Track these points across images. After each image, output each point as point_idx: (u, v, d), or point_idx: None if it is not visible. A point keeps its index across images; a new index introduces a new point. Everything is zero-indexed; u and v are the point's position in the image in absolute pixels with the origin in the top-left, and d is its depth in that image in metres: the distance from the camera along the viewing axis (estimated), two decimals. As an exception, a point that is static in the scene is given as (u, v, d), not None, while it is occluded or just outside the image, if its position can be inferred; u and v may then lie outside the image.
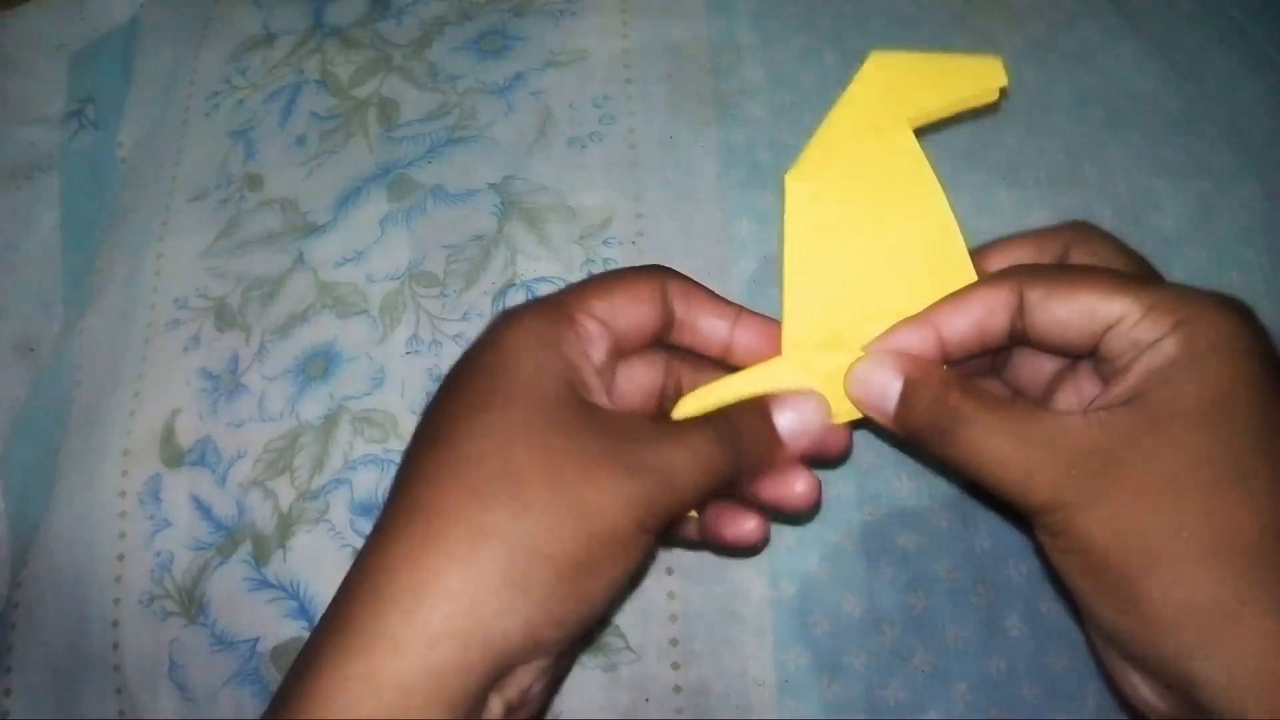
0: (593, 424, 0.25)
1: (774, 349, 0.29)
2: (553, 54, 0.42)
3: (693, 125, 0.40)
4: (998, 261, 0.28)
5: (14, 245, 0.43)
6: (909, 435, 0.26)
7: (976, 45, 0.41)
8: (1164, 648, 0.22)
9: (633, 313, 0.28)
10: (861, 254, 0.29)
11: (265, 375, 0.37)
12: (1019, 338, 0.26)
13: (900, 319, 0.27)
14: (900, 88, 0.29)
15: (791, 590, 0.32)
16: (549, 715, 0.32)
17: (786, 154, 0.39)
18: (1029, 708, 0.31)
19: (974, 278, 0.27)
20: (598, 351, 0.27)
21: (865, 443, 0.34)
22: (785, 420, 0.27)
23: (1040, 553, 0.29)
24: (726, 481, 0.26)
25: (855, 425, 0.29)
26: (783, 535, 0.33)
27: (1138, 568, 0.22)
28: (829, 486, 0.33)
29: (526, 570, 0.23)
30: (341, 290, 0.38)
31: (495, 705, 0.24)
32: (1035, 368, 0.29)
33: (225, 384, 0.37)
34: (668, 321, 0.29)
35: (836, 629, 0.32)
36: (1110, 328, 0.24)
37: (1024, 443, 0.24)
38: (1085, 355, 0.26)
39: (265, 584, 0.34)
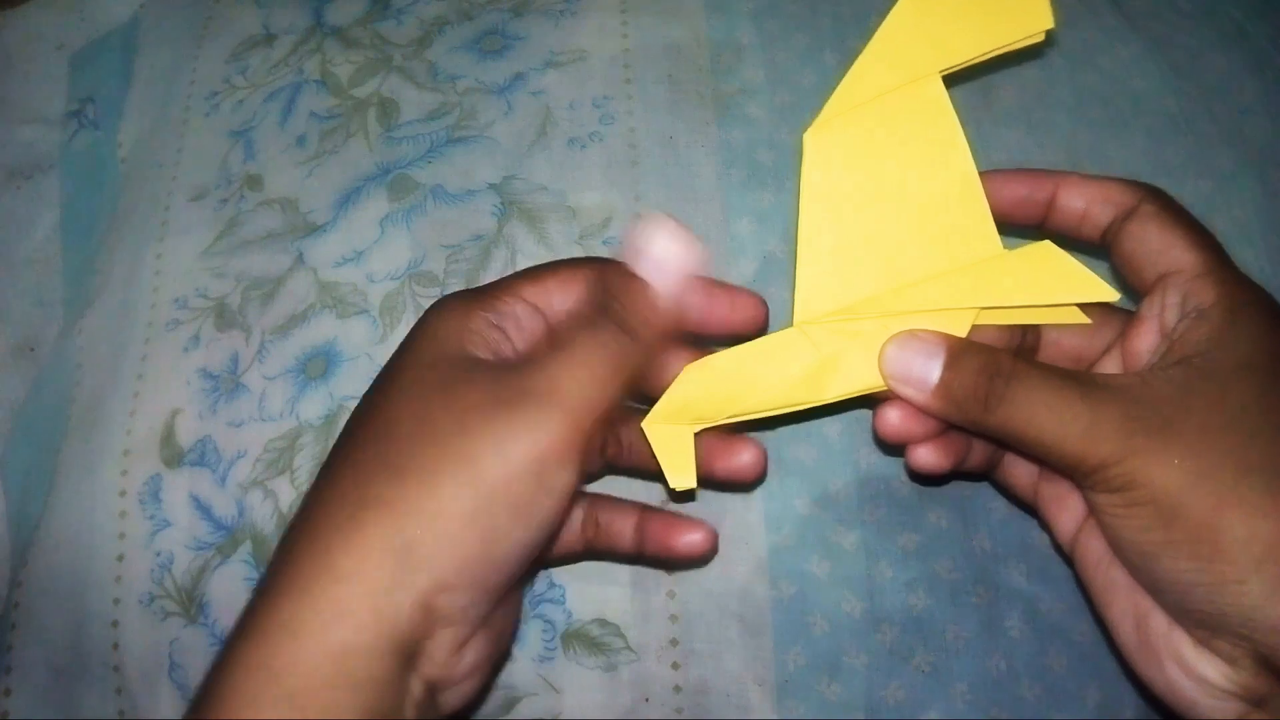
0: (477, 376, 0.24)
1: (725, 318, 0.28)
2: (553, 54, 0.42)
3: (693, 125, 0.40)
4: (1068, 197, 0.28)
5: (14, 245, 0.43)
6: (949, 408, 0.25)
7: (976, 45, 0.41)
8: (1247, 591, 0.22)
9: (566, 296, 0.28)
10: (880, 218, 0.27)
11: (265, 375, 0.37)
12: (1107, 244, 0.27)
13: (916, 286, 0.26)
14: (935, 28, 0.27)
15: (791, 590, 0.32)
16: (549, 715, 0.32)
17: (786, 154, 0.39)
18: (1029, 708, 0.31)
19: (999, 244, 0.27)
20: (525, 329, 0.27)
21: (866, 443, 0.34)
22: (646, 267, 0.25)
23: (1056, 547, 0.29)
24: (631, 377, 0.25)
25: (839, 408, 0.28)
26: (783, 535, 0.33)
27: (1216, 508, 0.22)
28: (829, 486, 0.33)
29: (409, 538, 0.22)
30: (341, 290, 0.38)
31: (414, 685, 0.23)
32: (1061, 355, 0.29)
33: (225, 384, 0.37)
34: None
35: (836, 629, 0.32)
36: (1168, 274, 0.26)
37: (1083, 399, 0.23)
38: (1139, 293, 0.27)
39: (265, 584, 0.34)
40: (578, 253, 0.37)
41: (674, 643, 0.32)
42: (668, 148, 0.39)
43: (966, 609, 0.32)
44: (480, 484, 0.22)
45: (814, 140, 0.28)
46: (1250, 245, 0.37)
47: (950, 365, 0.25)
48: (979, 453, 0.29)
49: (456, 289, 0.37)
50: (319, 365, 0.37)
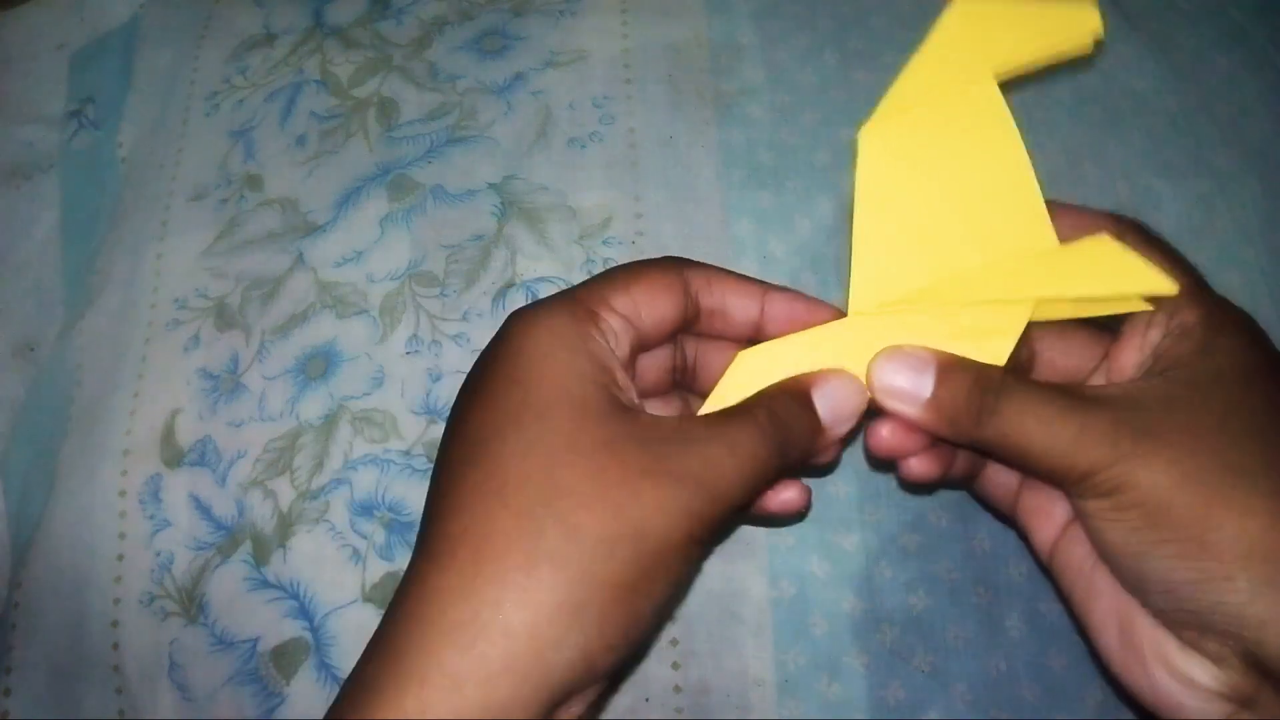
0: (634, 432, 0.24)
1: (807, 323, 0.28)
2: (553, 54, 0.42)
3: (693, 125, 0.40)
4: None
5: (14, 245, 0.43)
6: (940, 422, 0.25)
7: (976, 45, 0.41)
8: (1235, 587, 0.22)
9: (654, 306, 0.27)
10: (935, 212, 0.27)
11: (265, 375, 0.37)
12: None
13: (972, 278, 0.26)
14: (984, 37, 0.27)
15: (791, 590, 0.32)
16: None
17: (786, 154, 0.39)
18: (1029, 708, 0.31)
19: (1054, 240, 0.26)
20: (622, 349, 0.26)
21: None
22: (825, 405, 0.26)
23: (1035, 556, 0.29)
24: (775, 476, 0.25)
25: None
26: (783, 535, 0.33)
27: (1204, 507, 0.23)
28: (829, 486, 0.33)
29: (581, 598, 0.22)
30: (341, 290, 0.38)
31: None
32: (1054, 374, 0.29)
33: (225, 384, 0.37)
34: (693, 313, 0.28)
35: (836, 629, 0.32)
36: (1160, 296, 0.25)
37: (1071, 409, 0.24)
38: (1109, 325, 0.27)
39: (265, 584, 0.34)
40: (577, 253, 0.37)
41: (674, 643, 0.32)
42: (668, 148, 0.39)
43: (966, 609, 0.32)
44: (648, 554, 0.23)
45: (869, 136, 0.28)
46: (1250, 245, 0.37)
47: (941, 381, 0.25)
48: (962, 462, 0.29)
49: (456, 289, 0.37)
50: (319, 365, 0.37)
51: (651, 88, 0.41)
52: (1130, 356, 0.26)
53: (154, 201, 0.42)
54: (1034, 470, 0.25)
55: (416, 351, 0.36)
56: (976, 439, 0.25)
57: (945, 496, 0.33)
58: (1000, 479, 0.30)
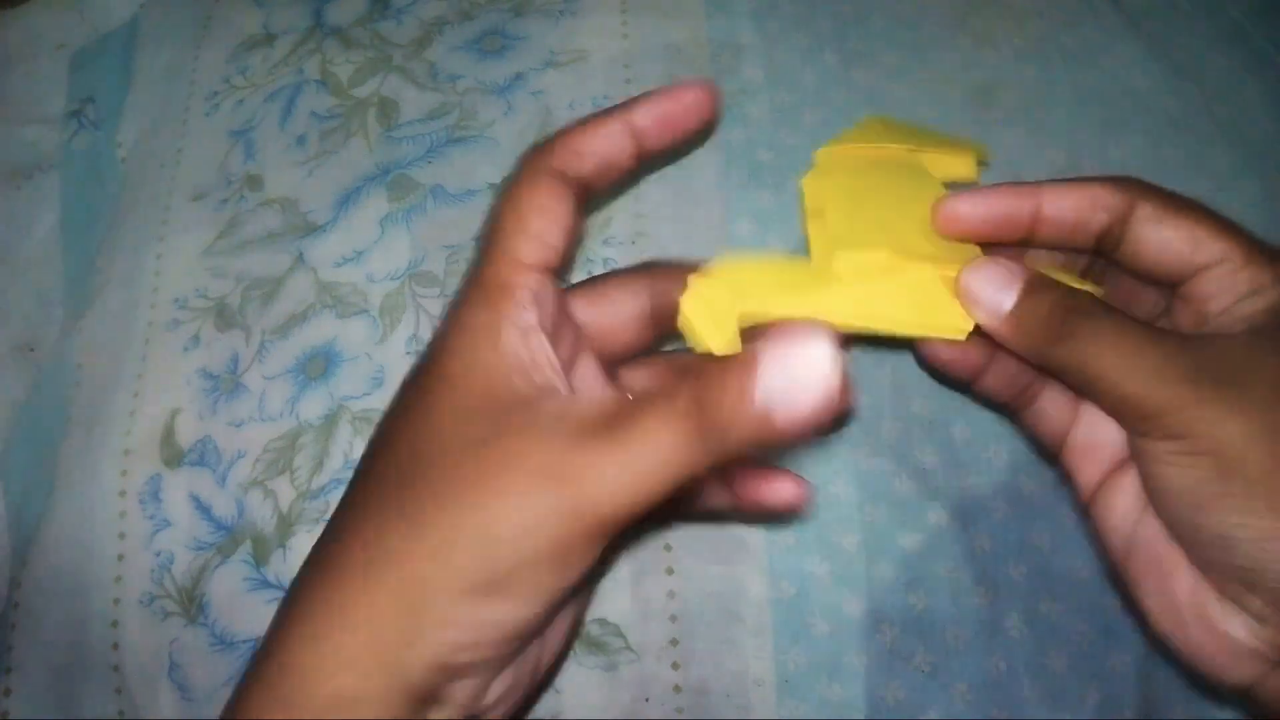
0: (517, 423, 0.22)
1: (674, 120, 0.28)
2: (553, 54, 0.42)
3: (693, 125, 0.40)
4: (1055, 209, 0.27)
5: (14, 245, 0.43)
6: (1018, 336, 0.25)
7: (976, 45, 0.41)
8: (1249, 565, 0.22)
9: (556, 226, 0.25)
10: (881, 215, 0.28)
11: (265, 375, 0.37)
12: (1107, 247, 0.26)
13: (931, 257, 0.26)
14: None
15: (791, 590, 0.32)
16: (549, 715, 0.32)
17: (786, 154, 0.39)
18: (1029, 708, 0.31)
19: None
20: (546, 308, 0.25)
21: (865, 442, 0.34)
22: (768, 391, 0.21)
23: (1075, 502, 0.29)
24: (703, 472, 0.22)
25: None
26: (783, 535, 0.33)
27: (1276, 465, 0.22)
28: (829, 486, 0.33)
29: (422, 597, 0.22)
30: (341, 290, 0.38)
31: (445, 708, 0.23)
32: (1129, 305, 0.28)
33: (225, 384, 0.37)
34: (580, 211, 0.26)
35: (836, 629, 0.32)
36: (1208, 267, 0.24)
37: (1154, 343, 0.23)
38: (1165, 285, 0.26)
39: (265, 584, 0.34)
40: (577, 253, 0.37)
41: (674, 643, 0.32)
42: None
43: (966, 609, 0.32)
44: (495, 561, 0.22)
45: (811, 184, 0.29)
46: (1250, 245, 0.37)
47: (1026, 295, 0.25)
48: (1011, 384, 0.29)
49: (456, 289, 0.37)
50: (319, 365, 0.37)
51: (651, 87, 0.41)
52: (1195, 311, 0.26)
53: (154, 201, 0.42)
54: (1104, 400, 0.24)
55: (416, 351, 0.36)
56: (1051, 359, 0.25)
57: (945, 497, 0.33)
58: (1052, 412, 0.29)
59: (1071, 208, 0.26)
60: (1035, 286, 0.25)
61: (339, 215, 0.39)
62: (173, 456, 0.36)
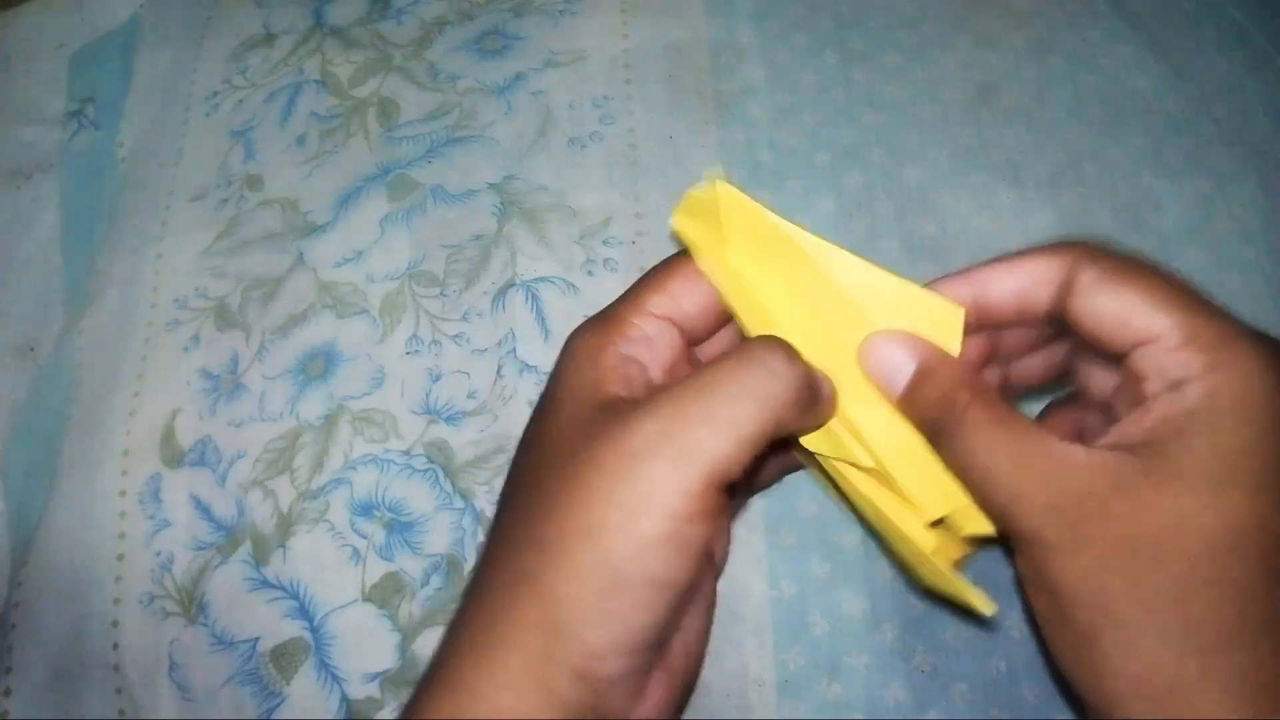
0: (607, 427, 0.23)
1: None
2: (553, 54, 0.42)
3: (693, 125, 0.40)
4: (995, 293, 0.25)
5: (14, 245, 0.43)
6: (913, 417, 0.25)
7: (977, 45, 0.41)
8: (1116, 712, 0.22)
9: (695, 295, 0.26)
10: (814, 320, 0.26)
11: (265, 375, 0.37)
12: (1058, 320, 0.24)
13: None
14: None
15: (791, 590, 0.32)
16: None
17: (786, 154, 0.39)
18: (1029, 708, 0.31)
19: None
20: (660, 350, 0.26)
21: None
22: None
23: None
24: (779, 428, 0.23)
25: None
26: (783, 535, 0.33)
27: (1100, 629, 0.21)
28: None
29: (556, 612, 0.22)
30: (341, 290, 0.38)
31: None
32: (1102, 377, 0.26)
33: (225, 384, 0.37)
34: None
35: (836, 629, 0.32)
36: (1141, 344, 0.22)
37: (1018, 467, 0.22)
38: (1115, 359, 0.24)
39: (265, 584, 0.34)
40: (577, 253, 0.37)
41: (674, 643, 0.32)
42: (668, 148, 0.39)
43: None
44: (609, 562, 0.22)
45: (686, 224, 0.27)
46: (1250, 245, 0.37)
47: (912, 386, 0.24)
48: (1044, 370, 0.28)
49: (456, 289, 0.37)
50: (319, 365, 0.37)
51: (651, 88, 0.41)
52: (1133, 392, 0.23)
53: (154, 201, 0.42)
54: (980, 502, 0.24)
55: (416, 351, 0.36)
56: (937, 449, 0.24)
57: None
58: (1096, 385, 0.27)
59: (1013, 291, 0.24)
60: (925, 374, 0.24)
61: (339, 215, 0.39)
62: (173, 456, 0.36)
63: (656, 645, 0.23)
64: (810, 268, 0.25)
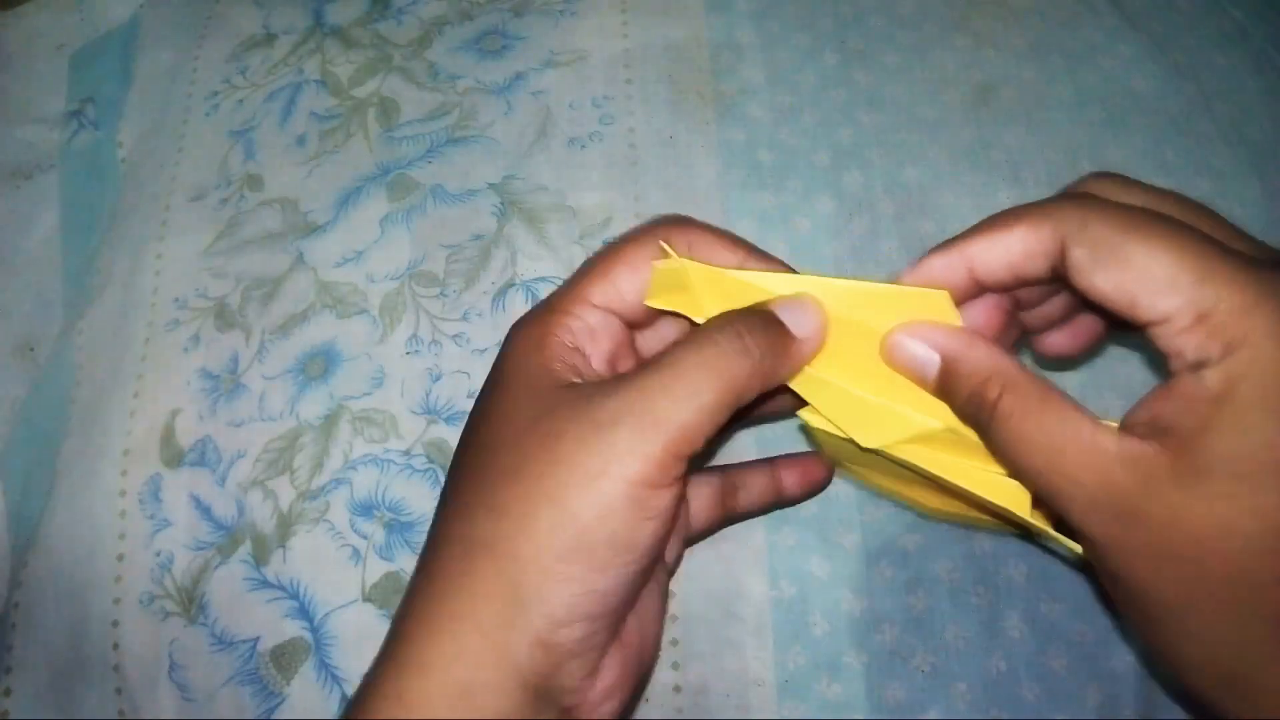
0: (567, 401, 0.23)
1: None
2: (553, 54, 0.42)
3: (693, 125, 0.40)
4: (985, 268, 0.24)
5: (14, 245, 0.43)
6: (950, 404, 0.24)
7: (976, 45, 0.41)
8: (1189, 683, 0.22)
9: (637, 282, 0.27)
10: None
11: (265, 375, 0.37)
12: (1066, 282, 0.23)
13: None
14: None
15: (791, 590, 0.32)
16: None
17: (786, 154, 0.39)
18: (1029, 708, 0.31)
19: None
20: (602, 341, 0.26)
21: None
22: (791, 320, 0.24)
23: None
24: (739, 399, 0.23)
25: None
26: (783, 535, 0.33)
27: (1157, 617, 0.22)
28: (830, 487, 0.33)
29: (513, 579, 0.22)
30: (341, 290, 0.38)
31: (550, 715, 0.23)
32: None
33: (225, 384, 0.37)
34: None
35: (836, 629, 0.32)
36: (1152, 324, 0.21)
37: (1052, 463, 0.22)
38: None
39: (265, 584, 0.34)
40: (578, 253, 0.37)
41: (674, 643, 0.32)
42: (668, 148, 0.39)
43: (966, 609, 0.32)
44: (573, 522, 0.22)
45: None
46: (1250, 245, 0.37)
47: (941, 380, 0.24)
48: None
49: (456, 289, 0.37)
50: (319, 365, 0.37)
51: (651, 88, 0.41)
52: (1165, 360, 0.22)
53: (154, 201, 0.42)
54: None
55: (416, 351, 0.36)
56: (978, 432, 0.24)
57: (945, 496, 0.33)
58: None
59: (1003, 264, 0.23)
60: (950, 369, 0.24)
61: (339, 215, 0.39)
62: (173, 456, 0.36)
63: (615, 615, 0.23)
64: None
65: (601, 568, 0.22)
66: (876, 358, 0.25)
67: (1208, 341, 0.20)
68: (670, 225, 0.27)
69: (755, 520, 0.33)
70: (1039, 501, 0.25)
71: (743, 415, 0.25)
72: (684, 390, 0.23)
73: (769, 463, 0.32)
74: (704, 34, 0.42)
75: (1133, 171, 0.38)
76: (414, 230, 0.39)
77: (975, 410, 0.23)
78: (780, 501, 0.32)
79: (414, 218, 0.39)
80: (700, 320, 0.26)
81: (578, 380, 0.25)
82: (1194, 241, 0.21)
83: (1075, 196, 0.23)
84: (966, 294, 0.25)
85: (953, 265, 0.24)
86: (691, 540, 0.31)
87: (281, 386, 0.36)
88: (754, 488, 0.31)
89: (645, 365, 0.24)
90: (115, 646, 0.34)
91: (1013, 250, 0.23)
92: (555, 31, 0.43)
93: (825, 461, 0.32)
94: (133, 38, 0.47)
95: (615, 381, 0.23)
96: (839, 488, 0.33)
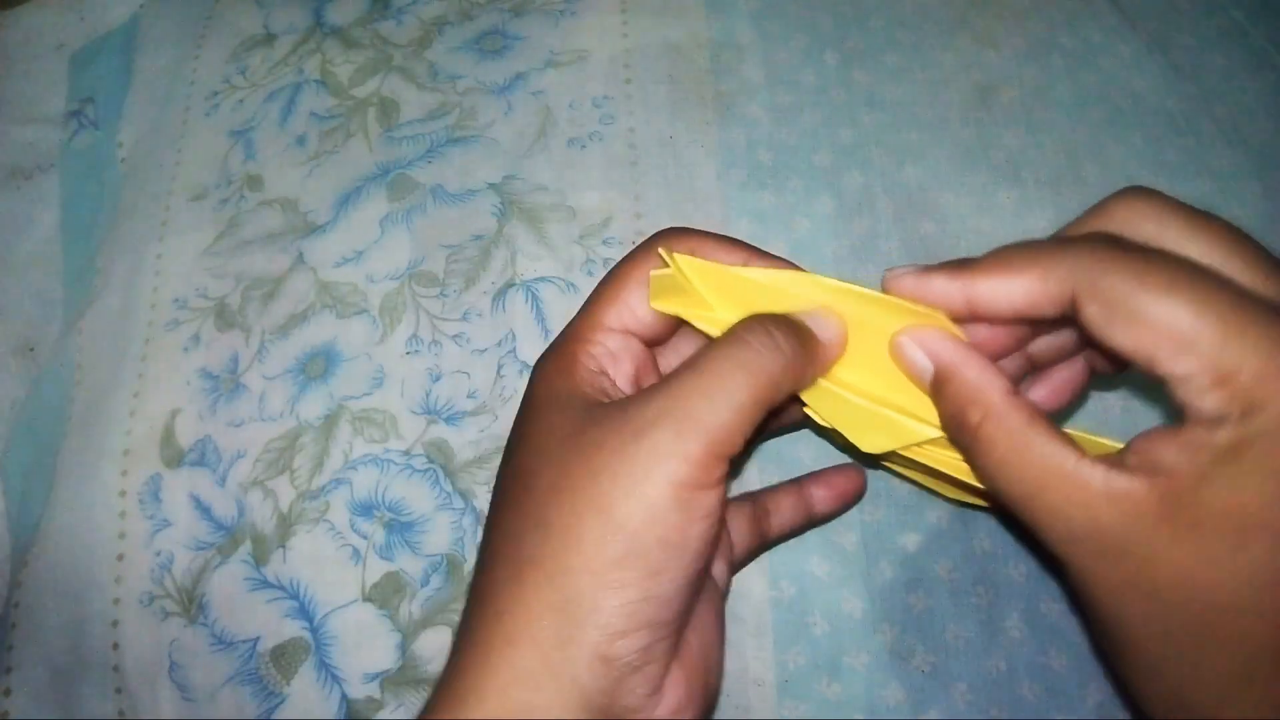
0: (602, 414, 0.24)
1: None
2: (553, 54, 0.42)
3: (693, 125, 0.40)
4: (987, 300, 0.23)
5: (14, 245, 0.43)
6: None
7: (976, 45, 0.41)
8: (1154, 715, 0.22)
9: (647, 304, 0.27)
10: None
11: (265, 375, 0.37)
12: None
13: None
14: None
15: (791, 590, 0.32)
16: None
17: (786, 154, 0.39)
18: (1029, 708, 0.31)
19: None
20: (624, 363, 0.27)
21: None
22: (815, 326, 0.25)
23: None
24: (775, 396, 0.23)
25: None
26: (783, 535, 0.33)
27: (1126, 647, 0.22)
28: (829, 486, 0.33)
29: (567, 594, 0.22)
30: (341, 290, 0.38)
31: (625, 715, 0.23)
32: None
33: (225, 384, 0.37)
34: None
35: (836, 629, 0.32)
36: (1172, 381, 0.20)
37: (1034, 494, 0.22)
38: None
39: (265, 584, 0.34)
40: (577, 253, 0.37)
41: (674, 643, 0.32)
42: (668, 148, 0.39)
43: (966, 609, 0.32)
44: (621, 530, 0.22)
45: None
46: (1250, 245, 0.37)
47: (933, 391, 0.24)
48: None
49: (456, 289, 0.37)
50: (319, 365, 0.37)
51: (651, 88, 0.41)
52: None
53: (154, 201, 0.42)
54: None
55: (416, 351, 0.36)
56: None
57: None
58: None
59: (1004, 305, 0.23)
60: (942, 381, 0.23)
61: (339, 215, 0.39)
62: (173, 456, 0.36)
63: (673, 624, 0.23)
64: (791, 298, 0.26)
65: (654, 572, 0.22)
66: (879, 361, 0.25)
67: (1229, 402, 0.19)
68: (671, 236, 0.27)
69: (755, 520, 0.33)
70: None
71: (765, 425, 0.25)
72: (719, 391, 0.23)
73: (797, 483, 0.32)
74: (704, 34, 0.42)
75: (1132, 171, 0.38)
76: (414, 230, 0.39)
77: (956, 431, 0.23)
78: (813, 520, 0.32)
79: (414, 218, 0.39)
80: (711, 315, 0.26)
81: (607, 400, 0.25)
82: (1217, 294, 0.20)
83: (1092, 241, 0.22)
84: (960, 319, 0.24)
85: (951, 293, 0.24)
86: (735, 567, 0.30)
87: (281, 386, 0.36)
88: (784, 510, 0.31)
89: (677, 370, 0.23)
90: (115, 646, 0.34)
91: (1016, 295, 0.22)
92: (555, 31, 0.43)
93: (856, 472, 0.32)
94: (133, 38, 0.47)
95: (648, 390, 0.23)
96: (839, 488, 0.33)
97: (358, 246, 0.39)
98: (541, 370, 0.27)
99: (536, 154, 0.40)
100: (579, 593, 0.22)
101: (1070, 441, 0.21)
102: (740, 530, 0.30)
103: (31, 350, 0.41)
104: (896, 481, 0.33)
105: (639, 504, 0.22)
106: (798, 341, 0.24)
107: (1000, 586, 0.32)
